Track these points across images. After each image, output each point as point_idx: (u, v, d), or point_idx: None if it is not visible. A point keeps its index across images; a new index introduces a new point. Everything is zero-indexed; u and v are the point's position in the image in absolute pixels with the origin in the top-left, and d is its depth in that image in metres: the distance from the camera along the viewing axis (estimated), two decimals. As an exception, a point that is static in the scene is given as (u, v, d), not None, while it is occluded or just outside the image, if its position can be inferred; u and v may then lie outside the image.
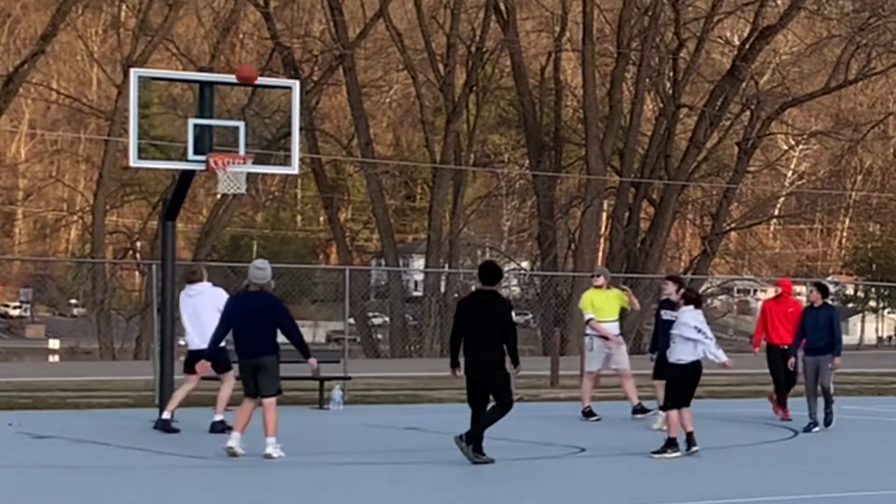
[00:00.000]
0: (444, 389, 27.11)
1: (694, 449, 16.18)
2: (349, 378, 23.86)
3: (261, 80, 21.45)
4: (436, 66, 55.68)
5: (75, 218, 68.24)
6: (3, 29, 76.22)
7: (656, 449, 16.18)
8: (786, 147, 74.24)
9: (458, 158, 56.20)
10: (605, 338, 20.79)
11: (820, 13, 61.13)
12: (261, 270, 15.85)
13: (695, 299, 16.64)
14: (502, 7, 54.82)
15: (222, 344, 16.93)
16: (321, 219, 77.41)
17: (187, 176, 19.58)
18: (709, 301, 65.28)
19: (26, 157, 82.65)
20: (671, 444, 16.10)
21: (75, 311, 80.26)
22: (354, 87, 55.13)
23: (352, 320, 50.04)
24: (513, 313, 15.66)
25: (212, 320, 17.70)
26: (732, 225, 65.54)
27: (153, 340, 24.41)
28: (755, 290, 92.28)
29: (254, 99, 53.92)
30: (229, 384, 18.29)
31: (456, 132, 55.82)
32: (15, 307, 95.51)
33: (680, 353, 16.24)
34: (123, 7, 61.92)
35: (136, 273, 69.34)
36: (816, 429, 19.41)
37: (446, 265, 56.76)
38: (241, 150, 19.17)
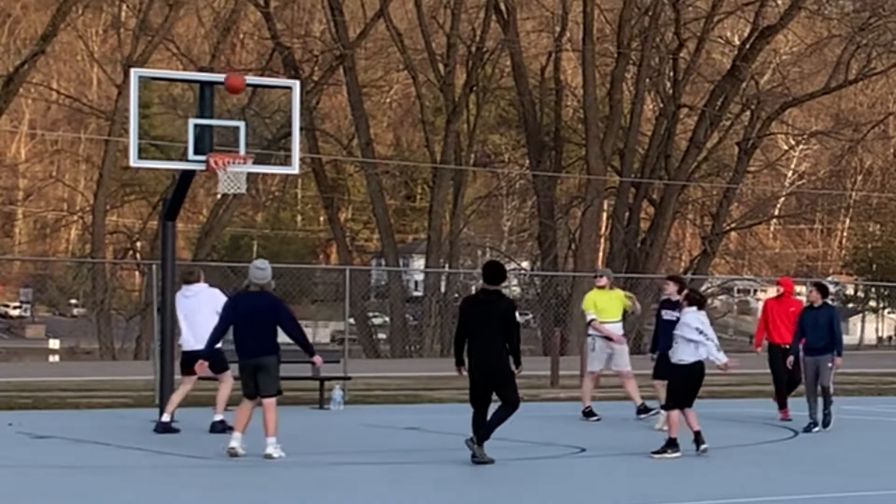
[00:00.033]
0: (444, 389, 27.12)
1: (703, 447, 16.19)
2: (349, 378, 23.87)
3: (261, 80, 21.46)
4: (436, 66, 55.68)
5: (75, 218, 68.25)
6: (3, 29, 76.21)
7: (656, 449, 16.19)
8: (786, 147, 74.23)
9: (458, 158, 56.20)
10: (608, 338, 20.80)
11: (820, 13, 61.11)
12: (261, 270, 15.86)
13: (698, 300, 16.63)
14: (502, 7, 54.81)
15: (218, 344, 16.95)
16: (321, 219, 77.39)
17: (187, 176, 19.58)
18: (709, 301, 65.13)
19: (26, 157, 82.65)
20: (671, 444, 16.11)
21: (75, 311, 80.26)
22: (355, 87, 55.13)
23: (352, 320, 50.04)
24: (517, 313, 15.67)
25: (207, 321, 17.73)
26: (732, 225, 65.53)
27: (153, 340, 24.42)
28: (755, 290, 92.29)
29: (254, 99, 53.92)
30: (228, 384, 18.30)
31: (456, 132, 55.82)
32: (15, 307, 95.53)
33: (682, 354, 16.24)
34: (123, 7, 61.92)
35: (136, 273, 69.33)
36: (816, 429, 19.42)
37: (446, 265, 56.75)
38: (242, 150, 19.18)
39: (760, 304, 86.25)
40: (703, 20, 57.11)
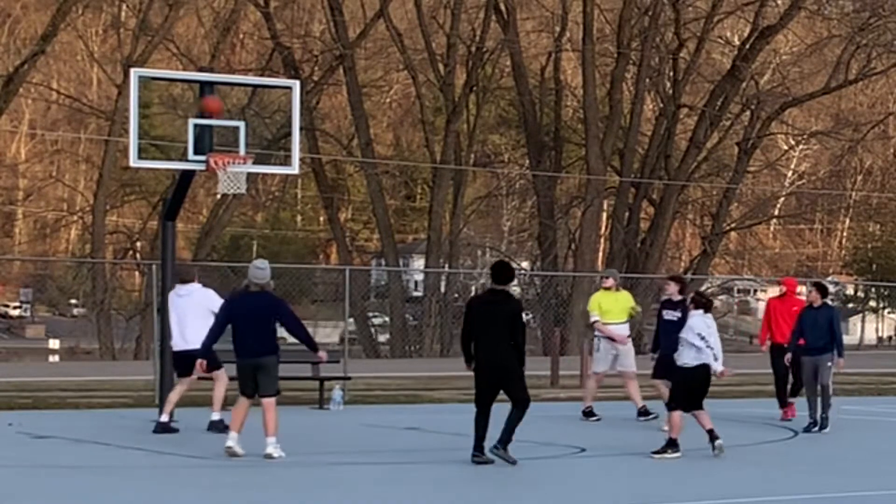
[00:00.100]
0: (444, 389, 27.14)
1: (718, 442, 16.17)
2: (349, 378, 23.87)
3: (261, 80, 21.48)
4: (436, 66, 55.68)
5: (75, 218, 68.25)
6: (3, 29, 76.21)
7: (656, 449, 16.20)
8: (786, 147, 74.22)
9: (458, 158, 56.20)
10: (613, 339, 20.79)
11: (820, 13, 61.10)
12: (261, 270, 15.87)
13: (704, 303, 16.57)
14: (502, 7, 54.80)
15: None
16: (321, 219, 77.39)
17: (187, 176, 19.59)
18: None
19: (26, 157, 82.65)
20: (672, 444, 16.11)
21: (75, 311, 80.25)
22: (354, 87, 55.13)
23: (352, 320, 50.03)
24: (524, 314, 15.66)
25: (198, 322, 17.76)
26: (732, 225, 65.52)
27: (153, 340, 24.42)
28: (755, 290, 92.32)
29: (254, 99, 53.94)
30: (223, 382, 18.29)
31: (456, 132, 55.81)
32: (15, 307, 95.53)
33: (685, 357, 16.26)
34: (123, 7, 61.92)
35: (136, 273, 69.32)
36: (816, 428, 19.41)
37: (446, 265, 56.75)
38: (242, 150, 19.19)
39: (760, 304, 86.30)
40: (703, 20, 57.10)
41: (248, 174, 19.57)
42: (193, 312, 18.20)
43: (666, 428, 16.88)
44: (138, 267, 63.53)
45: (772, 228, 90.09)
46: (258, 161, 27.97)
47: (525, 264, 65.95)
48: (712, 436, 16.25)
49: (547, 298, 50.33)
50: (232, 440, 15.66)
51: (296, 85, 20.45)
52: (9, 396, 23.55)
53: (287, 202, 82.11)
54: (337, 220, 61.26)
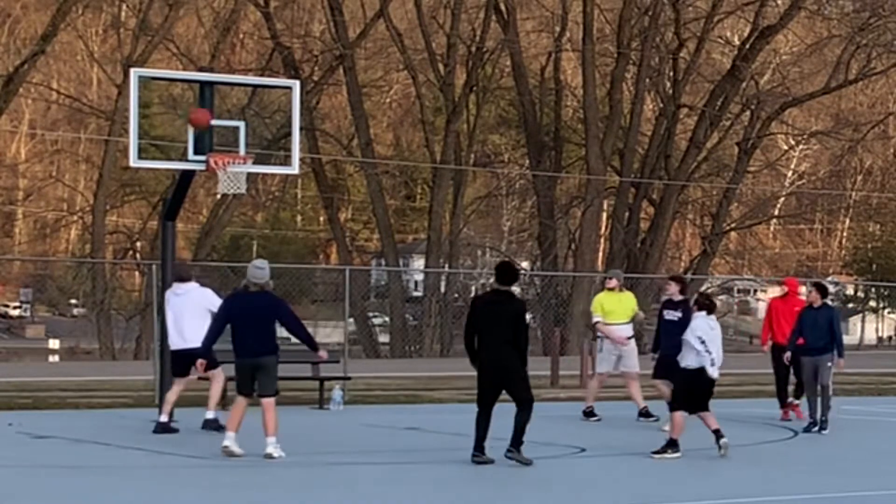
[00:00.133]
0: (444, 389, 27.14)
1: (723, 441, 16.13)
2: (349, 378, 23.87)
3: (261, 80, 21.49)
4: (436, 66, 55.67)
5: (75, 218, 68.24)
6: (3, 29, 76.21)
7: (656, 449, 16.19)
8: (786, 147, 74.22)
9: (458, 158, 56.19)
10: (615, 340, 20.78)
11: (820, 13, 61.09)
12: (260, 270, 15.87)
13: (707, 305, 16.51)
14: (502, 7, 54.80)
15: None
16: (321, 219, 77.38)
17: (187, 176, 19.59)
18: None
19: (26, 157, 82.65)
20: (672, 444, 16.10)
21: (75, 311, 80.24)
22: (354, 87, 55.12)
23: (352, 320, 50.02)
24: (527, 315, 15.63)
25: (195, 321, 17.79)
26: (732, 225, 65.51)
27: (153, 340, 24.42)
28: (755, 291, 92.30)
29: (254, 99, 53.92)
30: (219, 382, 18.29)
31: (456, 132, 55.81)
32: (15, 307, 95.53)
33: (687, 360, 16.25)
34: (123, 7, 61.91)
35: (136, 273, 69.31)
36: (816, 429, 19.41)
37: (446, 265, 56.74)
38: (242, 150, 19.20)
39: (760, 304, 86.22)
40: (703, 20, 57.10)
41: (248, 174, 19.57)
42: (190, 311, 18.21)
43: (666, 428, 16.88)
44: (138, 267, 63.53)
45: (772, 228, 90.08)
46: (258, 161, 27.97)
47: (525, 264, 65.92)
48: (718, 435, 16.21)
49: (547, 298, 50.33)
50: (229, 440, 15.65)
51: (296, 85, 20.45)
52: (9, 396, 23.55)
53: (287, 202, 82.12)
54: (337, 220, 61.26)
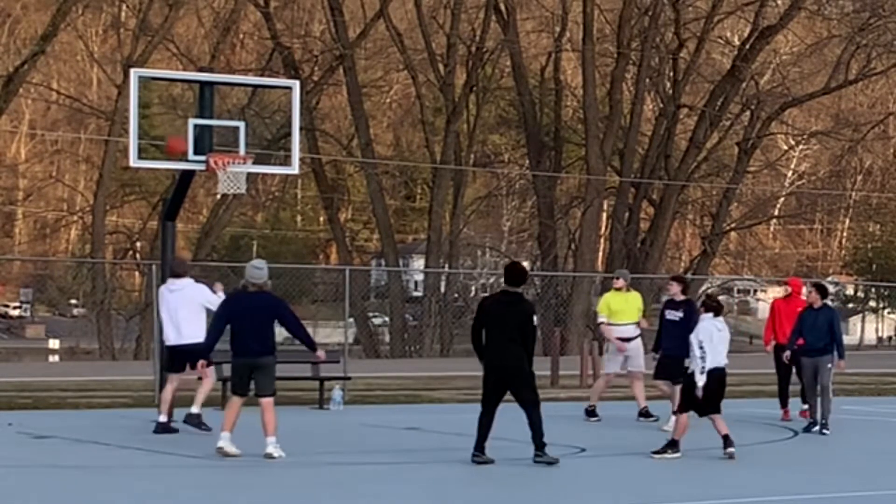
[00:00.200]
0: (444, 389, 27.15)
1: (730, 450, 16.01)
2: (349, 378, 23.87)
3: (261, 80, 21.51)
4: (436, 66, 55.67)
5: (75, 218, 68.27)
6: (3, 29, 76.20)
7: (656, 449, 16.17)
8: (786, 147, 74.24)
9: (458, 158, 56.20)
10: (621, 339, 20.72)
11: (820, 13, 61.10)
12: (258, 270, 15.86)
13: (714, 307, 16.36)
14: (502, 7, 54.82)
15: (199, 340, 17.02)
16: (321, 219, 77.38)
17: (187, 176, 19.60)
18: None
19: (26, 157, 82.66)
20: (672, 444, 16.08)
21: (75, 311, 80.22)
22: (354, 87, 55.13)
23: (352, 320, 50.01)
24: (535, 317, 15.59)
25: (190, 316, 17.81)
26: (732, 225, 65.54)
27: (153, 340, 24.42)
28: (755, 291, 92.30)
29: (254, 99, 53.92)
30: (210, 381, 18.27)
31: (456, 132, 55.82)
32: (15, 307, 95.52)
33: (692, 362, 16.18)
34: (123, 7, 61.94)
35: (136, 273, 69.31)
36: (816, 429, 19.40)
37: (446, 265, 56.74)
38: (241, 150, 19.21)
39: (760, 305, 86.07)
40: (703, 20, 57.12)
41: (248, 174, 19.58)
42: (186, 307, 18.21)
43: (666, 428, 16.87)
44: (138, 267, 63.53)
45: (772, 228, 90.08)
46: (258, 161, 27.97)
47: (525, 264, 65.87)
48: (727, 442, 16.08)
49: (547, 298, 50.33)
50: (224, 440, 15.63)
51: (296, 85, 20.46)
52: (9, 396, 23.55)
53: (287, 202, 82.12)
54: (337, 220, 61.27)
